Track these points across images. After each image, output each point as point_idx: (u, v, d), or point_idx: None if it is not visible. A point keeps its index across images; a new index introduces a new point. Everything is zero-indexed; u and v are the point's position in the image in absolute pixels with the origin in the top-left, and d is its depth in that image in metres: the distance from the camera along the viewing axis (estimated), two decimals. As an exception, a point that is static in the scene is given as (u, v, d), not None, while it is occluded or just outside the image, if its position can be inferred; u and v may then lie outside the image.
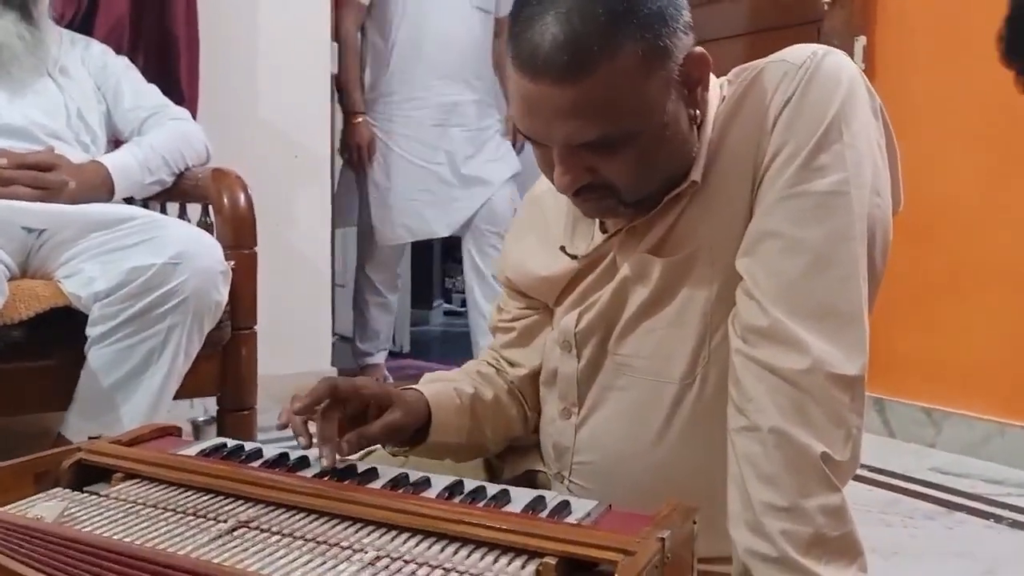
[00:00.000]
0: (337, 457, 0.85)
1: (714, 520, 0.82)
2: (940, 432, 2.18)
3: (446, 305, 5.28)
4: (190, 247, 1.42)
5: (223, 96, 2.32)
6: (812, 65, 0.83)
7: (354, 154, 2.76)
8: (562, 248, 0.99)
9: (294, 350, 2.54)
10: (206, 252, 1.44)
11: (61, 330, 1.43)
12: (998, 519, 1.76)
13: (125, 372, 1.42)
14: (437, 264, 5.03)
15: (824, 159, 0.81)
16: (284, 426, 0.89)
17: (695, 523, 0.74)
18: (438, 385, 1.03)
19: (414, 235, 2.91)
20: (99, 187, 1.59)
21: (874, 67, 2.30)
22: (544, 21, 0.78)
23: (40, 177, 1.50)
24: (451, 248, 5.58)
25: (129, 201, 1.73)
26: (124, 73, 1.84)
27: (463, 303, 5.45)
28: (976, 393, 2.17)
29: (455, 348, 4.23)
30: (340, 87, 2.75)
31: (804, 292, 0.80)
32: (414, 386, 1.02)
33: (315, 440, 0.87)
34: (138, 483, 0.85)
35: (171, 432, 1.00)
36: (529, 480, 1.10)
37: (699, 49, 0.84)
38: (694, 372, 0.90)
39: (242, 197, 1.57)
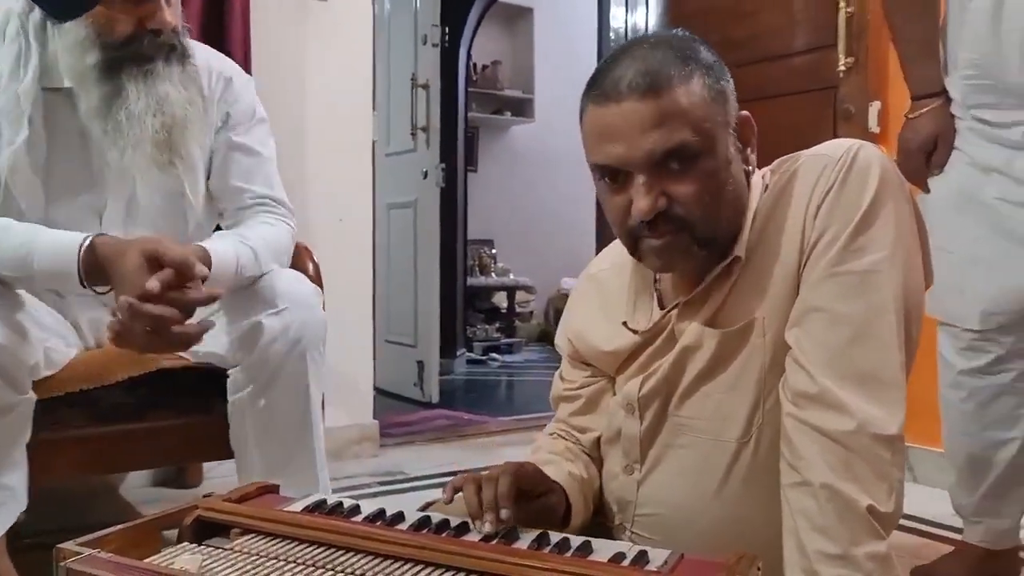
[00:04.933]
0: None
1: (769, 567, 0.92)
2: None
3: (468, 354, 5.38)
4: (290, 292, 1.48)
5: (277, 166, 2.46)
6: (848, 158, 0.95)
7: None
8: (624, 324, 1.10)
9: (340, 404, 2.65)
10: (301, 288, 1.51)
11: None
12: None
13: (289, 420, 1.49)
14: (460, 313, 5.13)
15: (862, 241, 0.92)
16: (451, 500, 0.97)
17: (759, 569, 0.84)
18: (557, 472, 1.08)
19: None
20: None
21: (887, 130, 2.42)
22: (624, 62, 0.96)
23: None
24: (472, 297, 5.71)
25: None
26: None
27: (484, 351, 5.57)
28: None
29: (481, 398, 4.32)
30: None
31: (848, 360, 0.91)
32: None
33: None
34: (256, 537, 0.94)
35: (271, 490, 1.10)
36: (591, 531, 1.19)
37: (745, 112, 1.00)
38: (749, 433, 1.00)
39: (311, 267, 1.68)
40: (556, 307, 6.30)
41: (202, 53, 1.59)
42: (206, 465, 2.37)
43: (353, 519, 0.97)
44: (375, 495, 2.21)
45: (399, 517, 0.97)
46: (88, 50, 1.39)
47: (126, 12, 1.38)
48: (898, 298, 0.92)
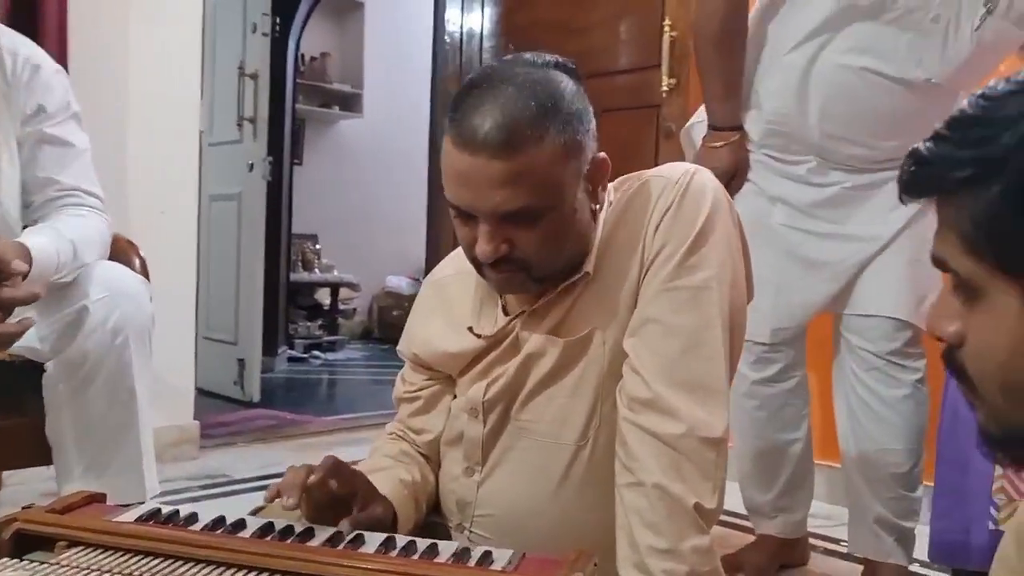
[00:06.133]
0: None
1: (602, 562, 0.97)
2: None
3: (290, 352, 5.25)
4: (112, 282, 1.44)
5: (96, 156, 2.31)
6: (686, 181, 1.02)
7: None
8: (470, 328, 1.12)
9: (159, 405, 2.51)
10: (124, 277, 1.48)
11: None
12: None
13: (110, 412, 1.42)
14: (282, 309, 5.00)
15: (695, 260, 1.00)
16: (273, 499, 0.95)
17: (596, 565, 0.89)
18: (386, 480, 1.09)
19: None
20: None
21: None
22: (485, 108, 0.94)
23: None
24: (294, 293, 5.58)
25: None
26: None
27: (306, 349, 5.46)
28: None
29: (303, 397, 4.24)
30: None
31: (680, 369, 0.98)
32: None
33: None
34: (84, 551, 0.89)
35: (99, 499, 1.04)
36: (429, 530, 1.21)
37: (602, 154, 1.02)
38: (587, 436, 1.05)
39: (136, 262, 1.60)
40: (380, 305, 6.27)
41: (8, 37, 1.52)
42: (4, 472, 2.20)
43: (191, 527, 0.94)
44: (197, 500, 2.13)
45: (240, 524, 0.94)
46: None
47: None
48: (724, 313, 1.00)
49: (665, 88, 2.54)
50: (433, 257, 3.54)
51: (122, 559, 0.87)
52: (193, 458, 2.63)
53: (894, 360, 1.67)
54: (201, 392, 3.74)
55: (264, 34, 3.59)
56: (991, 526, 1.33)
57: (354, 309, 6.36)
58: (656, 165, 2.58)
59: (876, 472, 1.70)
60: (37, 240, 1.35)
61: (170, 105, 2.55)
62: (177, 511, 0.98)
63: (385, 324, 6.17)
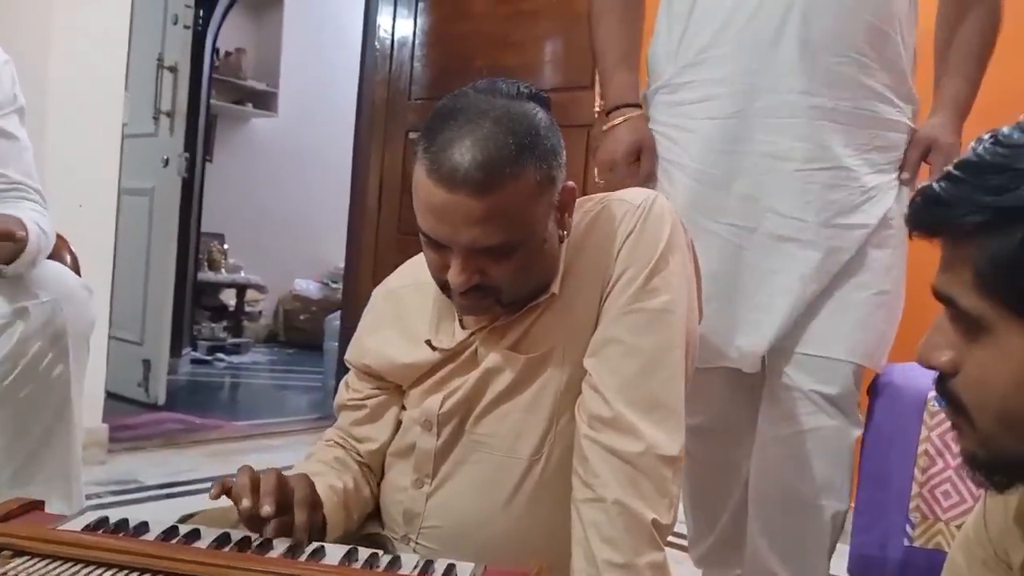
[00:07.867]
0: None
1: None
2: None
3: (193, 353, 5.10)
4: (56, 285, 1.40)
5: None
6: (647, 206, 1.06)
7: None
8: (427, 342, 1.12)
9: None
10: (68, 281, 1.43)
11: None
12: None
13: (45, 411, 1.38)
14: (188, 309, 4.86)
15: (655, 283, 1.03)
16: (219, 496, 0.94)
17: (554, 579, 0.91)
18: (316, 486, 1.07)
19: None
20: None
21: (632, 169, 2.64)
22: (464, 144, 0.94)
23: None
24: (199, 293, 5.42)
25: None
26: None
27: (210, 351, 5.31)
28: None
29: (208, 400, 4.13)
30: None
31: (639, 388, 1.01)
32: None
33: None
34: (31, 560, 0.86)
35: (37, 506, 1.00)
36: (371, 541, 1.21)
37: (571, 183, 1.04)
38: (541, 450, 1.07)
39: (68, 258, 1.54)
40: (287, 308, 6.15)
41: None
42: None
43: (143, 537, 0.92)
44: (107, 506, 2.04)
45: (195, 534, 0.93)
46: None
47: None
48: (682, 334, 1.04)
49: (597, 108, 2.59)
50: (354, 262, 3.51)
51: (72, 569, 0.85)
52: (101, 462, 2.52)
53: (841, 406, 1.44)
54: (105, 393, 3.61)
55: (186, 27, 3.49)
56: (906, 543, 1.41)
57: (260, 311, 6.23)
58: (584, 184, 2.63)
59: (790, 526, 1.47)
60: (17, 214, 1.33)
61: (92, 95, 2.45)
62: (126, 519, 0.95)
63: (291, 327, 6.06)
